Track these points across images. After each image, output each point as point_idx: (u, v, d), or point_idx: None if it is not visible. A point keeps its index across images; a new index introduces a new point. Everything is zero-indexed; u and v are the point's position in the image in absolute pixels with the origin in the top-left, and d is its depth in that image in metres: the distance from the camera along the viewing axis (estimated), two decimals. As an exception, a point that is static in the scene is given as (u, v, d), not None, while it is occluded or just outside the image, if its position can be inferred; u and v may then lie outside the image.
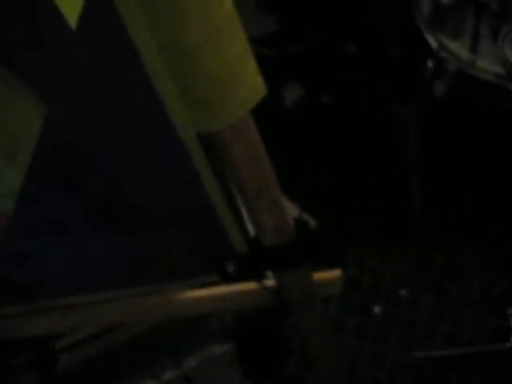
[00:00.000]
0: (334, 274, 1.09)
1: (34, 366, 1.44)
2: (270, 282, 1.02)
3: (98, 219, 0.91)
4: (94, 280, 1.06)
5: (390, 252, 1.98)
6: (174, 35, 0.61)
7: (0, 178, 0.68)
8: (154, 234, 0.95)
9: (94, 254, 0.99)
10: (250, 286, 1.02)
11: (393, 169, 2.03)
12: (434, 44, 1.52)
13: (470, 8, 1.53)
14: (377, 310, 1.89)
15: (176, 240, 0.97)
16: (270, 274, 1.02)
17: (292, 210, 0.96)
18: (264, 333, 1.67)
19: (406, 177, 1.96)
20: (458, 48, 1.51)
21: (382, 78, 1.98)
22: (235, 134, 0.71)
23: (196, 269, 1.03)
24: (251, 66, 0.67)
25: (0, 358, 1.41)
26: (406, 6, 1.62)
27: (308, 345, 1.25)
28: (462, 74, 1.48)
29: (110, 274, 1.05)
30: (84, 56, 0.63)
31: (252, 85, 0.68)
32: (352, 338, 1.85)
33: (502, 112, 1.58)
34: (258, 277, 1.01)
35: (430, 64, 1.52)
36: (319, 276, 1.05)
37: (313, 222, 1.01)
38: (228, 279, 1.00)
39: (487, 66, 1.47)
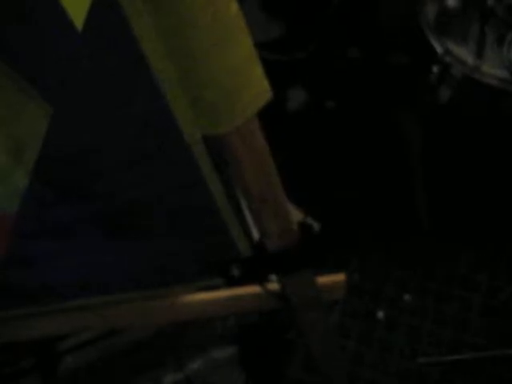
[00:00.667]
0: (338, 278, 1.09)
1: (37, 368, 1.44)
2: (274, 285, 1.02)
3: (103, 223, 0.91)
4: (98, 283, 1.06)
5: (393, 257, 1.98)
6: (181, 39, 0.61)
7: (7, 177, 0.68)
8: (158, 237, 0.95)
9: (98, 257, 0.99)
10: (253, 289, 1.02)
11: (397, 174, 2.03)
12: (439, 49, 1.52)
13: (475, 13, 1.53)
14: (380, 315, 1.88)
15: (180, 243, 0.97)
16: (273, 277, 1.02)
17: (296, 215, 0.96)
18: (267, 337, 1.67)
19: (411, 182, 1.96)
20: (464, 53, 1.51)
21: (386, 84, 1.98)
22: (241, 137, 0.71)
23: (200, 272, 1.03)
24: (257, 69, 0.68)
25: (3, 360, 1.41)
26: (412, 11, 1.62)
27: (311, 349, 1.25)
28: (467, 79, 1.48)
29: (114, 278, 1.05)
30: (90, 59, 0.63)
31: (258, 88, 0.68)
32: (355, 343, 1.85)
33: (507, 117, 1.58)
34: (262, 280, 1.01)
35: (435, 69, 1.53)
36: (323, 280, 1.05)
37: (317, 227, 1.01)
38: (232, 283, 1.00)
39: (492, 71, 1.47)
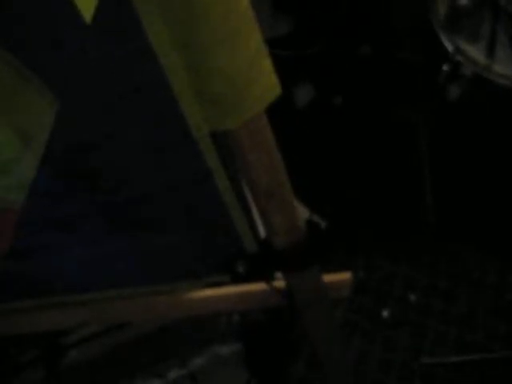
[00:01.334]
0: (344, 276, 1.08)
1: (41, 361, 1.45)
2: (280, 283, 1.01)
3: (111, 217, 0.91)
4: (104, 277, 1.06)
5: (400, 256, 1.97)
6: (191, 34, 0.60)
7: (15, 168, 0.68)
8: (164, 232, 0.94)
9: (105, 251, 0.99)
10: (259, 286, 1.02)
11: (405, 172, 2.02)
12: (449, 48, 1.51)
13: (486, 12, 1.52)
14: (385, 313, 1.88)
15: (187, 239, 0.96)
16: (279, 275, 1.02)
17: (302, 212, 0.95)
18: (272, 334, 1.66)
19: (419, 181, 1.95)
20: (474, 52, 1.50)
21: (396, 81, 1.97)
22: (249, 132, 0.71)
23: (206, 268, 1.03)
24: (266, 64, 0.67)
25: (7, 353, 1.42)
26: (422, 9, 1.61)
27: (315, 347, 1.25)
28: (477, 78, 1.47)
29: (120, 272, 1.05)
30: (98, 50, 0.63)
31: (267, 83, 0.68)
32: (360, 341, 1.84)
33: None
34: (268, 278, 1.01)
35: (445, 68, 1.51)
36: (329, 278, 1.05)
37: (323, 224, 1.01)
38: (238, 279, 1.00)
39: (503, 70, 1.46)
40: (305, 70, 2.17)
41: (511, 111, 1.55)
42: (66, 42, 0.62)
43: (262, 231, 0.93)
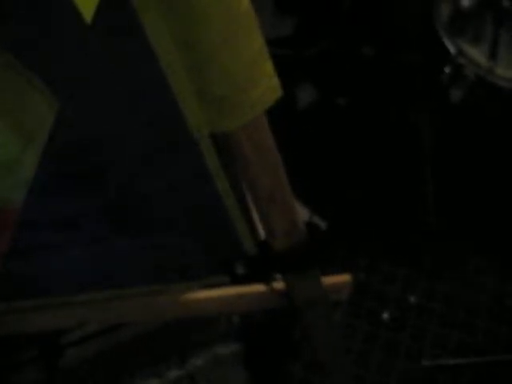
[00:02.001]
0: (344, 278, 1.08)
1: (40, 360, 1.45)
2: (279, 284, 1.01)
3: (110, 217, 0.91)
4: (103, 277, 1.06)
5: (400, 258, 1.97)
6: (192, 35, 0.60)
7: (14, 167, 0.68)
8: (164, 233, 0.94)
9: (105, 251, 0.99)
10: (258, 288, 1.01)
11: (407, 174, 2.02)
12: (452, 50, 1.51)
13: (489, 14, 1.52)
14: (385, 316, 1.87)
15: (186, 240, 0.96)
16: (279, 276, 1.02)
17: (303, 214, 0.95)
18: (271, 335, 1.66)
19: (420, 182, 1.94)
20: (477, 54, 1.50)
21: (398, 83, 1.96)
22: (249, 134, 0.71)
23: (205, 269, 1.03)
24: (267, 66, 0.67)
25: (7, 352, 1.42)
26: (426, 10, 1.61)
27: (315, 349, 1.24)
28: (480, 80, 1.47)
29: (119, 272, 1.05)
30: (98, 52, 0.63)
31: (268, 85, 0.68)
32: (360, 343, 1.84)
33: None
34: (267, 279, 1.00)
35: (447, 70, 1.51)
36: (328, 280, 1.04)
37: (323, 226, 1.01)
38: (237, 281, 1.00)
39: (506, 72, 1.46)
40: (307, 70, 2.17)
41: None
42: (66, 42, 0.62)
43: (261, 233, 0.93)
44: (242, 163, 0.75)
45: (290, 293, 1.01)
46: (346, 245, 1.95)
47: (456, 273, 1.93)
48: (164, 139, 0.76)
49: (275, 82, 0.68)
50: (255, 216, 0.89)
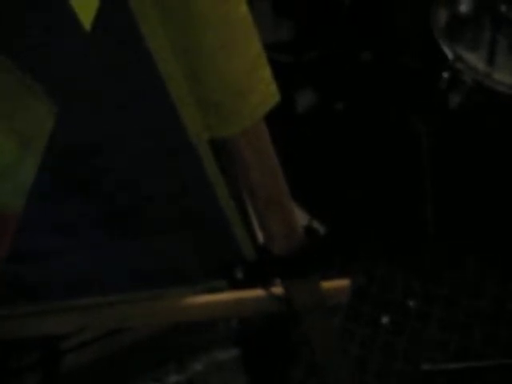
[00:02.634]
0: (343, 283, 1.08)
1: (40, 365, 1.45)
2: (278, 289, 1.01)
3: (109, 222, 0.91)
4: (102, 282, 1.06)
5: (399, 262, 1.97)
6: (190, 41, 0.61)
7: (14, 173, 0.68)
8: (163, 238, 0.94)
9: (104, 256, 0.99)
10: (257, 293, 1.01)
11: (405, 179, 2.02)
12: (450, 55, 1.51)
13: (487, 20, 1.52)
14: (385, 320, 1.87)
15: (185, 245, 0.96)
16: (277, 281, 1.02)
17: (302, 218, 0.95)
18: (270, 340, 1.66)
19: (419, 187, 1.95)
20: (475, 60, 1.50)
21: (396, 88, 1.97)
22: (247, 139, 0.71)
23: (204, 274, 1.03)
24: (265, 72, 0.67)
25: (6, 357, 1.42)
26: (424, 16, 1.61)
27: (314, 353, 1.24)
28: (478, 85, 1.47)
29: (118, 277, 1.05)
30: (97, 58, 0.63)
31: (266, 91, 0.68)
32: (359, 348, 1.84)
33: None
34: (266, 284, 1.00)
35: (445, 75, 1.52)
36: (327, 285, 1.05)
37: (322, 231, 1.01)
38: (236, 285, 1.00)
39: (504, 77, 1.46)
40: (306, 75, 2.17)
41: (511, 118, 1.55)
42: (65, 48, 0.62)
43: (260, 237, 0.93)
44: (241, 168, 0.76)
45: (288, 297, 1.01)
46: (345, 249, 1.96)
47: (455, 277, 1.93)
48: (163, 145, 0.77)
49: (273, 87, 0.68)
50: (254, 221, 0.89)
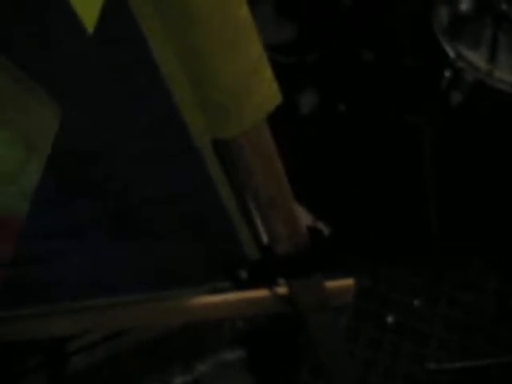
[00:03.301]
0: (347, 283, 1.08)
1: (44, 367, 1.45)
2: (282, 289, 1.01)
3: (113, 225, 0.92)
4: (107, 284, 1.06)
5: (404, 262, 1.97)
6: (191, 42, 0.61)
7: (18, 176, 0.69)
8: (167, 239, 0.95)
9: (108, 258, 0.99)
10: (261, 293, 1.02)
11: (408, 179, 2.02)
12: (451, 54, 1.51)
13: (488, 18, 1.52)
14: (390, 320, 1.87)
15: (189, 246, 0.97)
16: (282, 281, 1.02)
17: (305, 218, 0.96)
18: (276, 340, 1.66)
19: (422, 187, 1.95)
20: (476, 58, 1.50)
21: (398, 87, 1.97)
22: (250, 141, 0.71)
23: (209, 275, 1.03)
24: (267, 73, 0.67)
25: (13, 359, 1.42)
26: (424, 15, 1.61)
27: (319, 354, 1.25)
28: (479, 84, 1.47)
29: (122, 279, 1.05)
30: (100, 62, 0.64)
31: (267, 92, 0.68)
32: (364, 348, 1.84)
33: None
34: (270, 284, 1.01)
35: (447, 74, 1.52)
36: (332, 285, 1.05)
37: (326, 231, 1.01)
38: (240, 286, 1.00)
39: (505, 76, 1.46)
40: (308, 76, 2.17)
41: (513, 117, 1.55)
42: (69, 51, 0.63)
43: (264, 237, 0.94)
44: (244, 169, 0.76)
45: (293, 298, 1.02)
46: (349, 249, 1.95)
47: (459, 276, 1.93)
48: (166, 147, 0.77)
49: (275, 88, 0.69)
50: (258, 221, 0.90)
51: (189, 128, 0.71)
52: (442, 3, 1.60)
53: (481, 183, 1.90)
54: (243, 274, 0.97)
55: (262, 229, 0.90)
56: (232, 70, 0.63)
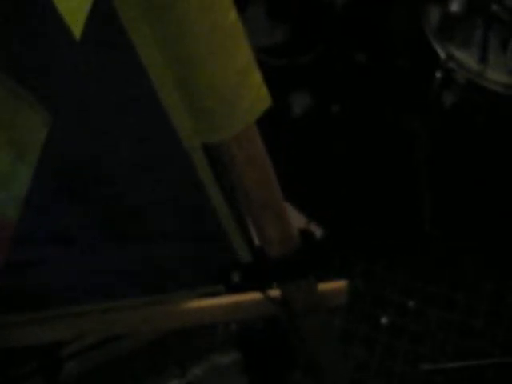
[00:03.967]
0: (340, 284, 1.08)
1: (40, 373, 1.45)
2: (275, 292, 1.01)
3: (105, 230, 0.91)
4: (101, 289, 1.06)
5: (397, 263, 1.97)
6: (179, 47, 0.61)
7: (9, 181, 0.69)
8: (159, 244, 0.95)
9: (100, 264, 0.99)
10: (254, 296, 1.02)
11: (402, 179, 2.02)
12: (442, 54, 1.52)
13: (478, 18, 1.53)
14: (384, 321, 1.88)
15: (181, 250, 0.97)
16: (275, 284, 1.02)
17: (298, 220, 0.96)
18: (270, 342, 1.66)
19: (416, 187, 1.95)
20: (467, 58, 1.51)
21: (391, 88, 1.97)
22: (240, 145, 0.71)
23: (201, 279, 1.03)
24: (256, 76, 0.67)
25: (6, 365, 1.42)
26: (416, 16, 1.62)
27: (313, 355, 1.25)
28: (470, 84, 1.48)
29: (115, 284, 1.05)
30: (88, 68, 0.64)
31: (257, 96, 0.68)
32: (359, 349, 1.84)
33: (511, 122, 1.57)
34: (263, 287, 1.01)
35: (438, 74, 1.52)
36: (325, 287, 1.05)
37: (318, 233, 1.01)
38: (233, 289, 1.00)
39: (496, 76, 1.47)
40: (301, 78, 2.18)
41: (504, 116, 1.55)
42: (57, 57, 0.63)
43: (256, 240, 0.94)
44: (235, 173, 0.76)
45: (286, 300, 1.02)
46: (343, 250, 1.96)
47: (453, 276, 1.93)
48: (156, 152, 0.77)
49: (264, 92, 0.69)
50: (250, 224, 0.90)
51: (178, 132, 0.71)
52: (432, 4, 1.60)
53: (475, 183, 1.91)
54: (236, 277, 0.97)
55: (253, 232, 0.90)
56: (221, 74, 0.63)
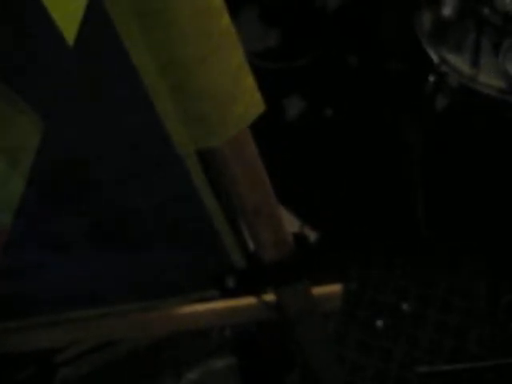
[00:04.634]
0: (334, 288, 1.09)
1: (35, 379, 1.44)
2: (270, 296, 1.02)
3: (99, 235, 0.91)
4: (94, 295, 1.06)
5: (392, 265, 1.97)
6: (172, 53, 0.61)
7: (3, 188, 0.68)
8: (153, 249, 0.95)
9: (95, 269, 0.99)
10: (249, 300, 1.02)
11: (396, 182, 2.03)
12: (434, 58, 1.52)
13: (470, 22, 1.53)
14: (379, 324, 1.88)
15: (176, 255, 0.97)
16: (269, 288, 1.02)
17: (292, 224, 0.96)
18: (265, 346, 1.66)
19: (410, 190, 1.95)
20: (459, 62, 1.51)
21: (384, 92, 1.98)
22: (233, 149, 0.72)
23: (195, 284, 1.03)
24: (249, 81, 0.68)
25: (1, 371, 1.41)
26: (408, 20, 1.62)
27: (308, 359, 1.25)
28: (463, 88, 1.48)
29: (110, 289, 1.05)
30: (81, 73, 0.64)
31: (250, 101, 0.68)
32: (354, 352, 1.84)
33: (503, 126, 1.58)
34: (258, 291, 1.01)
35: (431, 78, 1.53)
36: (319, 291, 1.05)
37: (312, 237, 1.01)
38: (228, 294, 1.00)
39: (488, 80, 1.47)
40: (295, 81, 2.18)
41: (497, 120, 1.56)
42: (49, 63, 0.63)
43: (251, 245, 0.94)
44: (228, 178, 0.76)
45: (280, 304, 1.02)
46: (338, 254, 1.96)
47: (449, 278, 1.94)
48: (150, 157, 0.77)
49: (257, 97, 0.69)
50: (244, 229, 0.90)
51: (172, 138, 0.71)
52: (424, 8, 1.61)
53: (469, 185, 1.91)
54: (230, 282, 0.97)
55: (247, 236, 0.90)
56: (213, 79, 0.63)
